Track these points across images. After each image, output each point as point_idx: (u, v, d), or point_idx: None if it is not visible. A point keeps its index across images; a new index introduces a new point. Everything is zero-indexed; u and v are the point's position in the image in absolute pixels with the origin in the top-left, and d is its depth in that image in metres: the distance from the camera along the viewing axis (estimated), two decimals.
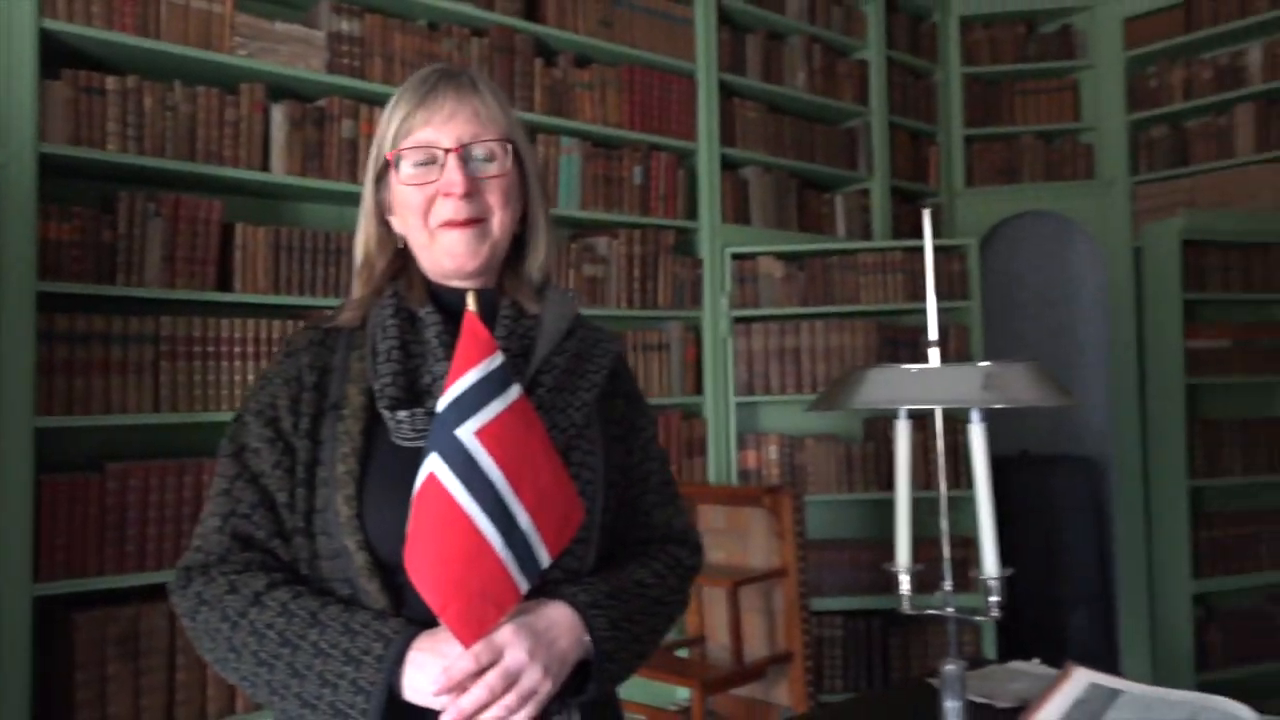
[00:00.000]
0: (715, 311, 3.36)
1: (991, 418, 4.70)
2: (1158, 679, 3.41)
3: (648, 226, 3.23)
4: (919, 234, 4.16)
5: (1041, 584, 3.96)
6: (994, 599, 1.48)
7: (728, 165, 3.52)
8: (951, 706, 1.49)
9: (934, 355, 1.59)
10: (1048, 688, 1.31)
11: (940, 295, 3.49)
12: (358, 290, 1.16)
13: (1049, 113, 4.36)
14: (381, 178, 1.14)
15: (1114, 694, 1.29)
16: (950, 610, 1.53)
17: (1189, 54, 4.11)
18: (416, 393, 1.07)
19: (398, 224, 1.15)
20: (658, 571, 1.15)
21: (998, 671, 1.96)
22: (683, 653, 2.79)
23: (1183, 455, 3.40)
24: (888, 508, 3.49)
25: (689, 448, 3.23)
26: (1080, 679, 1.32)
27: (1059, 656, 2.53)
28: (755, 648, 2.65)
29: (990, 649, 3.29)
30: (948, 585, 1.56)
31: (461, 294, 1.07)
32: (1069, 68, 4.35)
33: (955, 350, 3.48)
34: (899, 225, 4.08)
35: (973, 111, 4.37)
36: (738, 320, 3.41)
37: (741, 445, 3.37)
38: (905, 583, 1.57)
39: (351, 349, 1.11)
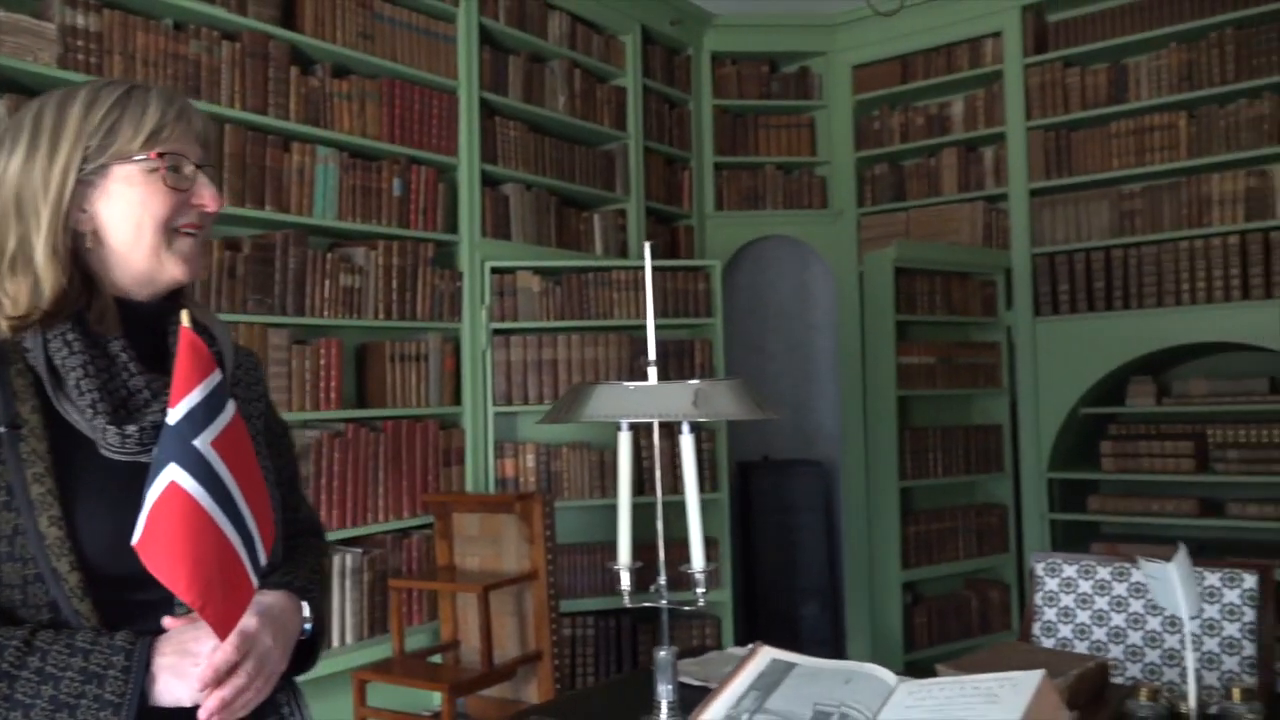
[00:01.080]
0: (474, 323, 3.44)
1: (738, 426, 5.12)
2: (875, 658, 3.80)
3: (407, 238, 3.27)
4: (673, 254, 4.44)
5: (780, 578, 4.32)
6: (700, 590, 1.67)
7: (489, 181, 3.62)
8: (663, 689, 1.66)
9: (652, 373, 1.76)
10: (738, 665, 1.50)
11: (686, 313, 3.75)
12: (13, 295, 1.06)
13: (789, 146, 4.76)
14: (86, 180, 1.08)
15: (790, 666, 1.49)
16: (663, 602, 1.71)
17: (905, 102, 4.63)
18: (128, 408, 1.07)
19: (107, 230, 1.09)
20: (316, 562, 1.30)
21: (715, 657, 2.17)
22: (436, 658, 2.85)
23: (894, 459, 3.83)
24: (637, 511, 3.70)
25: (447, 457, 3.29)
26: (764, 656, 1.52)
27: (793, 644, 2.80)
28: (507, 649, 2.75)
29: (729, 639, 3.55)
30: (662, 580, 1.73)
31: (149, 307, 1.13)
32: (806, 106, 4.76)
33: (700, 363, 3.74)
34: (655, 246, 4.32)
35: (722, 141, 4.70)
36: (497, 332, 3.51)
37: (500, 454, 3.47)
38: (626, 579, 1.73)
39: (5, 364, 1.06)
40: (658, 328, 3.77)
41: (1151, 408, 3.98)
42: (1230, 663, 2.36)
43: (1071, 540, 4.04)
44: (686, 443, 1.70)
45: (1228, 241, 3.80)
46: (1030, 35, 4.25)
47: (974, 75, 4.38)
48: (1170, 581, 1.53)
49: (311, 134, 3.01)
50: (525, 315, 3.56)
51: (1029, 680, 1.25)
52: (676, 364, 3.69)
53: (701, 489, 3.60)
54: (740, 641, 3.57)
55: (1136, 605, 2.45)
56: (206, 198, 1.14)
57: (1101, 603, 2.51)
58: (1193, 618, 1.57)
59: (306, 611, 1.17)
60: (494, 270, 3.51)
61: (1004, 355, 4.25)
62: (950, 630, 3.92)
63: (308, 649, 1.19)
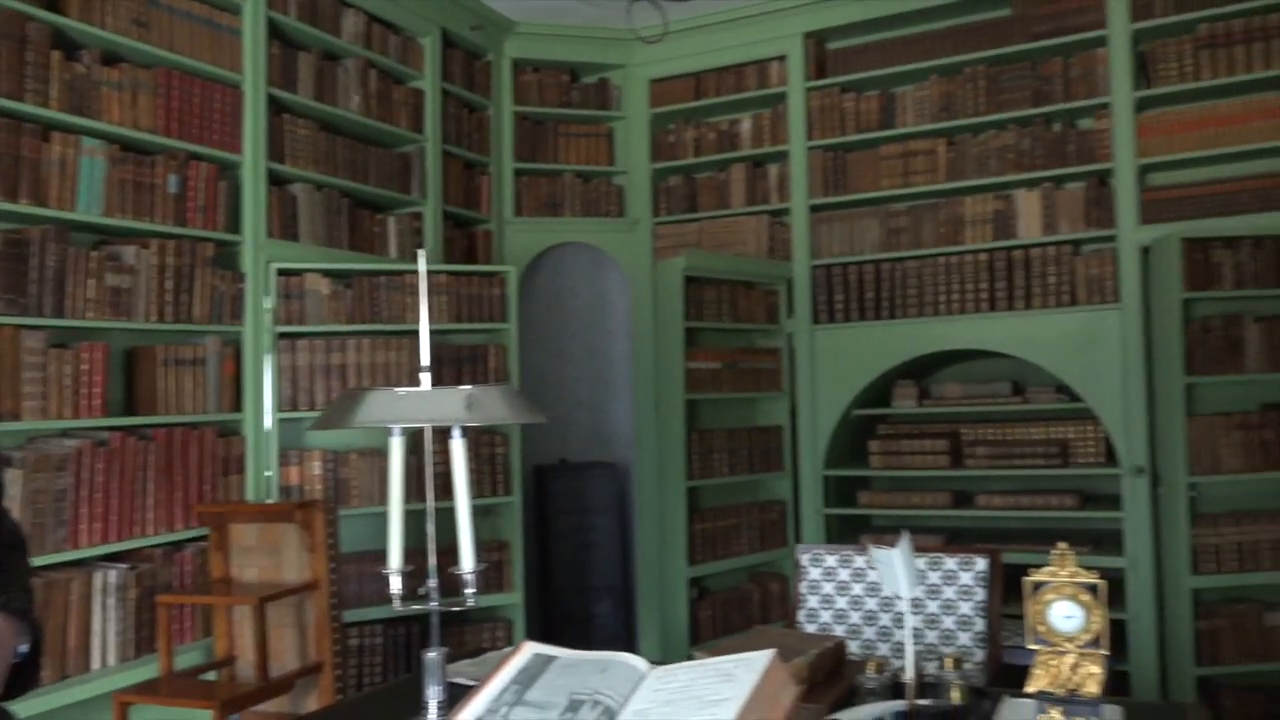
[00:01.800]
0: (258, 327, 3.33)
1: (535, 429, 5.17)
2: (664, 654, 3.96)
3: (184, 237, 3.13)
4: (472, 258, 4.45)
5: (575, 578, 4.41)
6: (470, 591, 1.71)
7: (276, 180, 3.51)
8: (432, 690, 1.69)
9: (425, 379, 1.79)
10: (500, 661, 1.55)
11: (482, 318, 3.78)
12: None
13: (588, 155, 4.87)
14: None
15: (551, 660, 1.56)
16: (434, 605, 1.74)
17: (698, 118, 4.83)
18: None
19: None
20: (27, 578, 1.22)
21: (492, 657, 2.22)
22: (210, 676, 2.74)
23: (682, 460, 3.99)
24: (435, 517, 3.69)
25: (226, 465, 3.17)
26: (527, 651, 1.58)
27: (586, 642, 2.87)
28: (285, 662, 2.69)
29: (520, 635, 3.61)
30: (432, 583, 1.76)
31: None
32: (605, 117, 4.89)
33: (495, 367, 3.78)
34: (451, 249, 4.32)
35: (522, 147, 4.75)
36: (282, 336, 3.41)
37: (284, 462, 3.37)
38: (396, 584, 1.75)
39: None
40: (452, 333, 3.81)
41: (914, 409, 4.33)
42: (964, 638, 2.63)
43: (845, 533, 4.34)
44: (457, 447, 1.73)
45: (978, 258, 4.19)
46: (812, 61, 4.54)
47: (761, 96, 4.63)
48: (893, 565, 1.70)
49: (75, 124, 2.84)
50: (313, 318, 3.48)
51: (760, 659, 1.37)
52: (470, 369, 3.71)
53: (494, 493, 3.66)
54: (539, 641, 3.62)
55: (885, 591, 2.68)
56: None
57: (858, 589, 2.73)
58: (911, 597, 1.75)
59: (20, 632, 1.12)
60: (280, 272, 3.42)
61: (785, 361, 4.51)
62: (734, 622, 4.13)
63: (24, 671, 1.13)
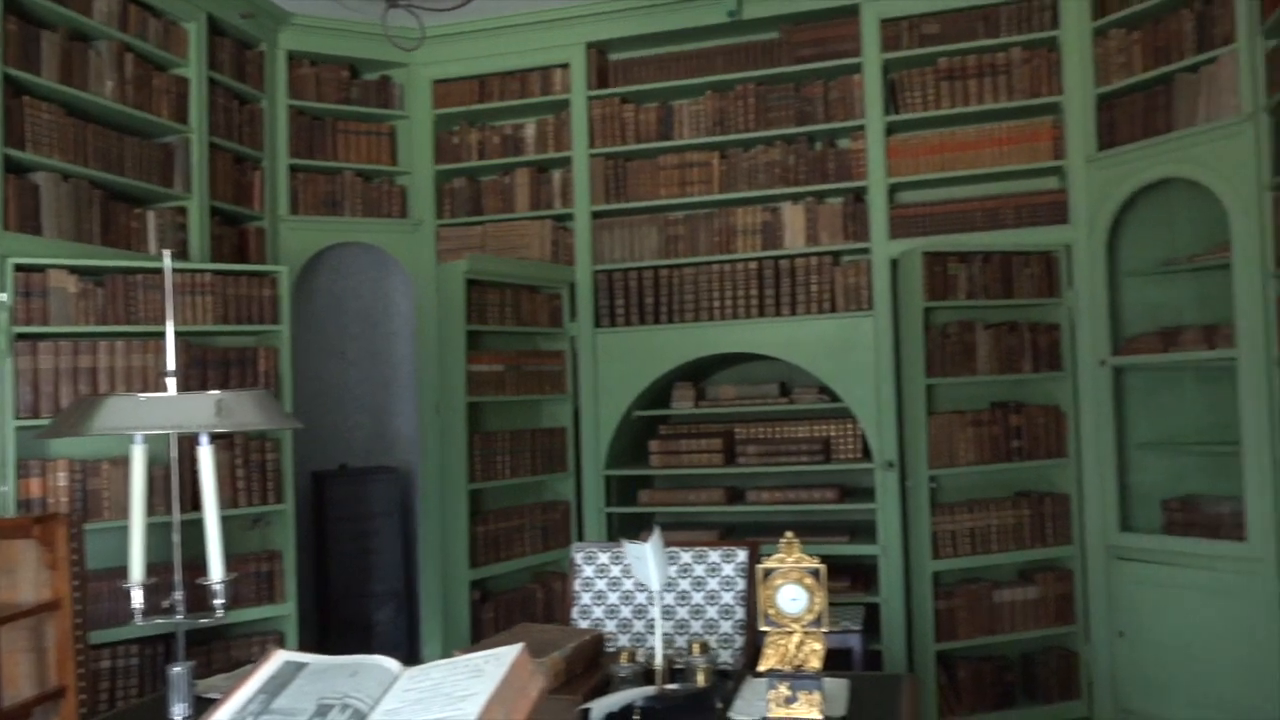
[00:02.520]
0: None
1: (314, 434, 5.01)
2: (445, 656, 3.93)
3: None
4: (242, 256, 4.26)
5: (354, 585, 4.30)
6: (219, 601, 1.66)
7: (14, 168, 3.24)
8: (177, 706, 1.63)
9: (171, 384, 1.72)
10: (248, 671, 1.52)
11: (252, 319, 3.63)
12: None
13: (369, 153, 4.77)
14: None
15: (301, 666, 1.54)
16: (179, 618, 1.68)
17: (483, 120, 4.83)
18: None
19: None
20: None
21: (249, 670, 2.15)
22: None
23: (464, 462, 3.99)
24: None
25: None
26: (277, 659, 1.55)
27: (367, 650, 2.81)
28: (20, 689, 2.49)
29: (293, 646, 3.49)
30: (178, 595, 1.70)
31: None
32: (387, 115, 4.80)
33: (265, 370, 3.63)
34: (220, 247, 4.11)
35: (298, 143, 4.59)
36: (20, 337, 3.15)
37: (24, 473, 3.11)
38: (138, 598, 1.67)
39: None
40: (218, 335, 3.63)
41: (691, 410, 4.52)
42: (726, 626, 2.78)
43: (627, 531, 4.47)
44: (205, 455, 1.68)
45: (749, 267, 4.43)
46: (594, 71, 4.64)
47: (545, 102, 4.70)
48: (645, 558, 1.80)
49: None
50: (58, 319, 3.23)
51: (508, 653, 1.42)
52: (239, 372, 3.55)
53: (265, 501, 3.52)
54: (316, 650, 3.52)
55: (640, 582, 2.80)
56: None
57: (629, 584, 2.83)
58: (667, 589, 1.85)
59: None
60: (19, 268, 3.15)
61: (568, 363, 4.60)
62: (516, 622, 4.16)
63: None
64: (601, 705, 1.66)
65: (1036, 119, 4.21)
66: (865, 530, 4.25)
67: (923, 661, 3.92)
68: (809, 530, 4.26)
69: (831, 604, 3.94)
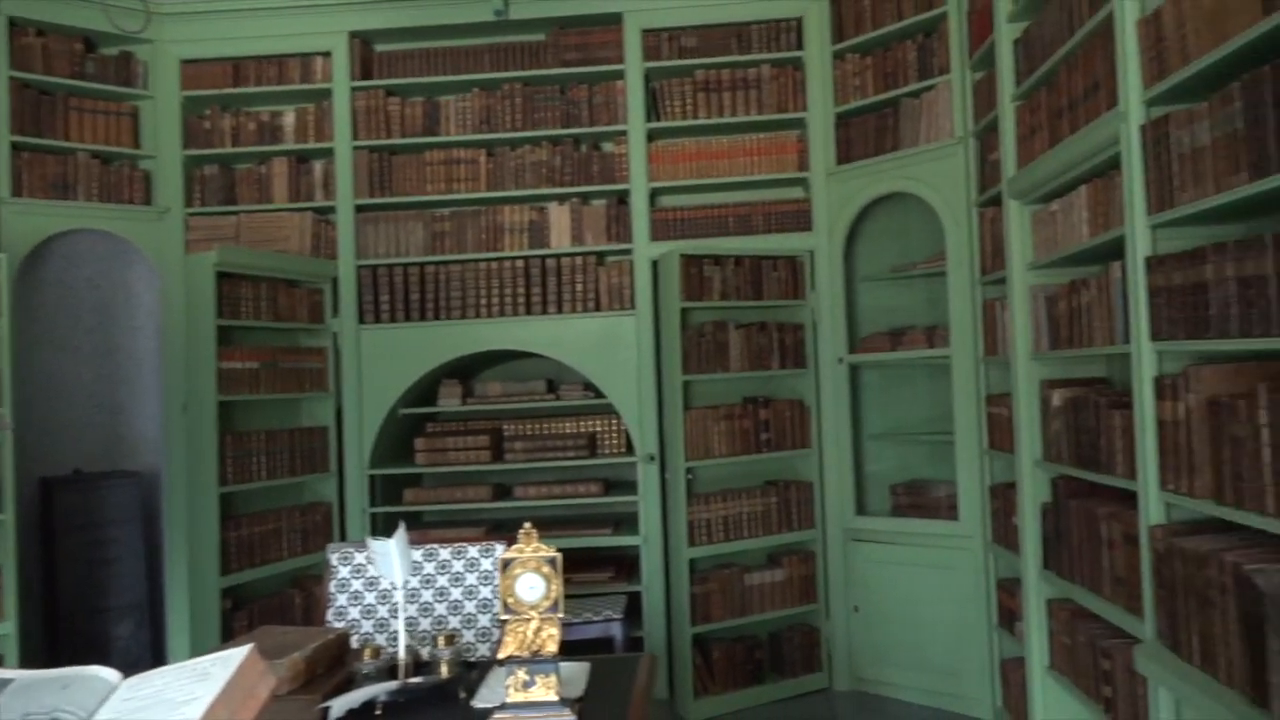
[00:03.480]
0: None
1: (38, 437, 4.62)
2: None
3: None
4: None
5: (89, 599, 3.99)
6: None
7: None
8: None
9: None
10: None
11: None
12: None
13: (107, 134, 4.42)
14: None
15: (5, 683, 1.45)
16: None
17: (237, 105, 4.60)
18: None
19: None
20: None
21: None
22: None
23: (215, 465, 3.79)
24: None
25: None
26: None
27: (105, 665, 2.61)
28: None
29: (11, 665, 3.20)
30: None
31: None
32: (128, 95, 4.47)
33: None
34: None
35: (22, 119, 4.19)
36: None
37: None
38: None
39: None
40: None
41: (459, 407, 4.52)
42: (484, 619, 2.82)
43: (392, 530, 4.40)
44: None
45: (516, 265, 4.48)
46: (357, 61, 4.53)
47: (305, 90, 4.54)
48: (389, 555, 1.81)
49: None
50: None
51: (236, 655, 1.39)
52: None
53: None
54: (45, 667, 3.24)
55: (414, 582, 2.80)
56: None
57: (385, 584, 2.81)
58: (405, 584, 1.86)
59: None
60: None
61: (330, 360, 4.47)
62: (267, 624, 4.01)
63: None
64: (341, 702, 1.66)
65: (783, 133, 4.51)
66: (629, 522, 4.41)
67: (680, 644, 4.12)
68: (575, 524, 4.37)
69: (595, 594, 4.09)
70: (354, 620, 2.79)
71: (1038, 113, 3.21)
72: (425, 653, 1.87)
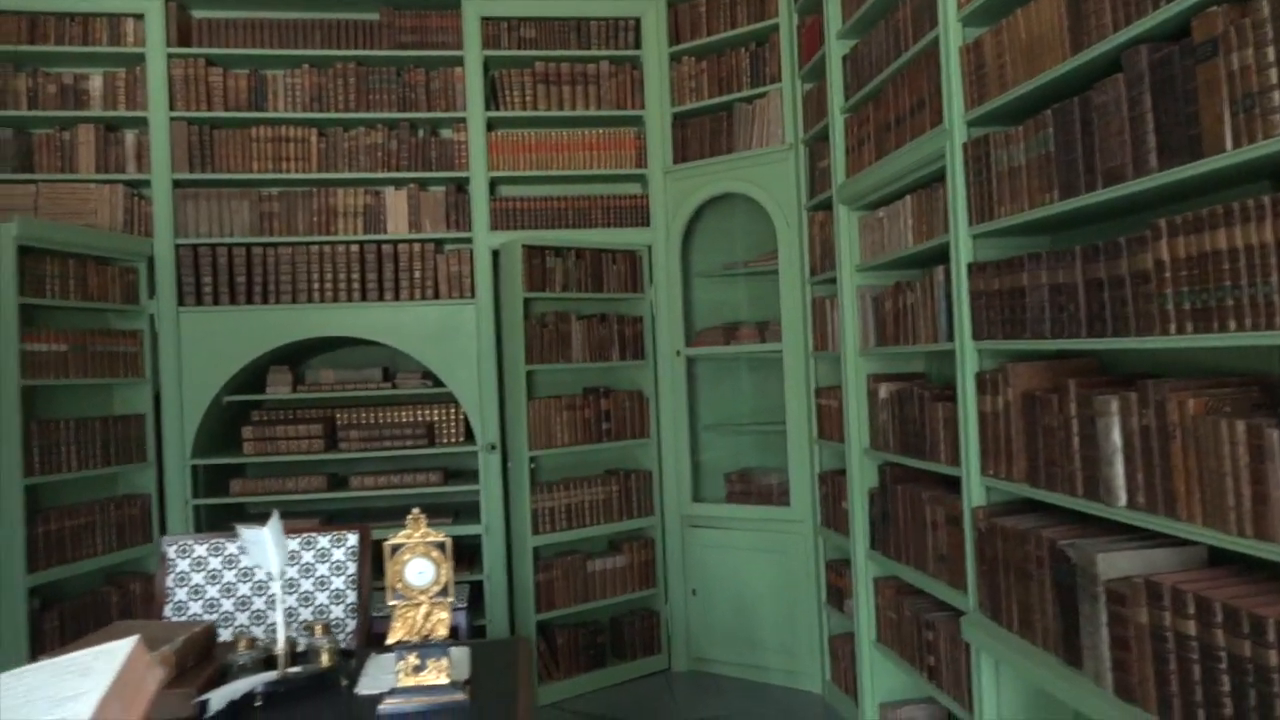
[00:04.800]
0: None
1: None
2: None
3: None
4: None
5: None
6: None
7: None
8: None
9: None
10: None
11: None
12: None
13: None
14: None
15: None
16: None
17: (35, 64, 4.23)
18: None
19: None
20: None
21: None
22: None
23: (18, 454, 3.48)
24: None
25: None
26: None
27: None
28: None
29: None
30: None
31: None
32: None
33: None
34: None
35: None
36: None
37: None
38: None
39: None
40: None
41: (289, 394, 4.34)
42: (338, 610, 2.76)
43: (216, 523, 4.20)
44: None
45: (350, 249, 4.36)
46: (174, 26, 4.26)
47: (114, 53, 4.22)
48: (263, 543, 1.76)
49: None
50: None
51: (121, 648, 1.33)
52: None
53: None
54: None
55: (260, 574, 2.70)
56: None
57: (230, 576, 2.70)
58: (281, 574, 1.82)
59: None
60: None
61: (146, 344, 4.19)
62: (87, 629, 3.73)
63: None
64: (221, 694, 1.61)
65: (622, 129, 4.61)
66: (469, 511, 4.39)
67: (524, 631, 4.15)
68: None
69: None
70: (195, 614, 2.66)
71: (865, 125, 3.46)
72: (302, 643, 1.84)
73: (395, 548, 1.68)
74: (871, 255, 3.45)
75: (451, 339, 4.35)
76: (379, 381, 4.43)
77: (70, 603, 3.73)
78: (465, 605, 3.88)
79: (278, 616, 1.77)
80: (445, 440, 4.46)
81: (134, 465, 4.07)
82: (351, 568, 2.76)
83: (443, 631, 1.67)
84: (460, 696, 1.64)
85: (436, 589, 1.68)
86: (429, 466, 4.42)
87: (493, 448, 4.33)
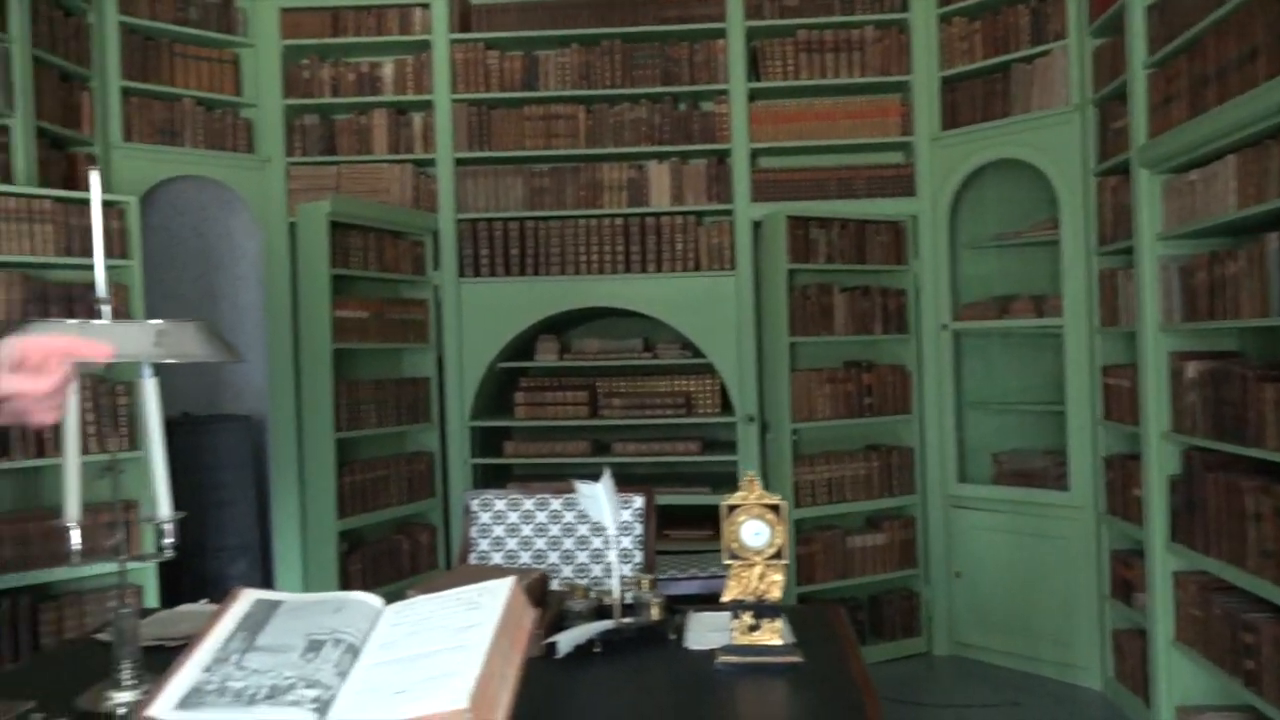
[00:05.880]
0: None
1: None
2: None
3: None
4: (72, 183, 3.88)
5: (205, 538, 4.07)
6: (168, 540, 1.57)
7: None
8: (126, 650, 1.53)
9: (105, 312, 1.59)
10: (218, 610, 1.45)
11: (89, 253, 3.33)
12: None
13: (210, 81, 4.43)
14: None
15: (276, 604, 1.49)
16: (123, 559, 1.57)
17: (337, 55, 4.60)
18: None
19: None
20: None
21: (166, 616, 2.03)
22: None
23: (330, 411, 3.84)
24: (40, 476, 3.23)
25: None
26: (247, 598, 1.49)
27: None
28: None
29: (153, 602, 3.29)
30: (121, 536, 1.59)
31: None
32: (230, 41, 4.47)
33: (115, 309, 3.35)
34: (47, 171, 3.73)
35: (130, 64, 4.20)
36: None
37: None
38: (76, 538, 1.55)
39: None
40: (59, 266, 3.32)
41: (555, 362, 4.54)
42: (625, 569, 2.86)
43: (489, 481, 4.46)
44: (150, 387, 1.57)
45: (615, 223, 4.48)
46: (456, 13, 4.51)
47: (404, 41, 4.52)
48: (598, 498, 1.84)
49: None
50: None
51: (503, 586, 1.43)
52: (85, 310, 3.26)
53: (119, 448, 3.27)
54: (168, 605, 3.31)
55: (555, 530, 2.84)
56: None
57: (527, 530, 2.85)
58: (616, 527, 1.90)
59: None
60: None
61: (431, 312, 4.50)
62: (384, 573, 4.07)
63: None
64: (568, 638, 1.69)
65: (886, 96, 4.47)
66: (725, 481, 4.43)
67: (785, 604, 4.15)
68: (672, 481, 4.41)
69: (698, 551, 4.12)
70: (497, 565, 2.83)
71: (1176, 80, 3.18)
72: (628, 596, 1.91)
73: (731, 508, 1.70)
74: (1178, 222, 3.17)
75: (712, 310, 4.39)
76: (640, 351, 4.54)
77: (369, 547, 4.08)
78: (726, 574, 3.92)
79: (614, 570, 1.84)
80: (702, 410, 4.51)
81: (420, 425, 4.39)
82: (639, 528, 2.84)
83: (776, 594, 1.68)
84: (797, 658, 1.65)
85: (771, 551, 1.69)
86: (687, 435, 4.49)
87: (751, 419, 4.34)
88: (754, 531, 1.69)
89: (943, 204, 4.34)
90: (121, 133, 4.16)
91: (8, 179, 3.49)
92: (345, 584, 3.82)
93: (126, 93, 4.19)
